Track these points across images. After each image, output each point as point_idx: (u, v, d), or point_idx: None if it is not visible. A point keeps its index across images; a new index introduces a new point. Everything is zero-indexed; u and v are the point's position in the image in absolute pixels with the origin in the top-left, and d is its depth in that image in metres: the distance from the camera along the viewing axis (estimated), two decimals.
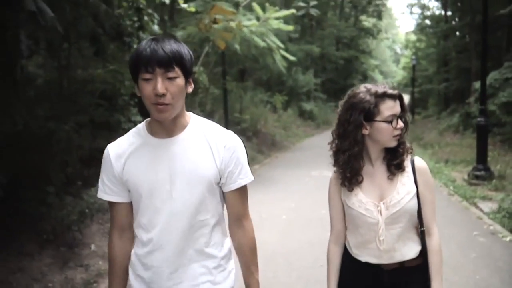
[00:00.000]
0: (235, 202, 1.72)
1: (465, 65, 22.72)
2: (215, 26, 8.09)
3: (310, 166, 11.41)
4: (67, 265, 4.45)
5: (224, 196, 1.73)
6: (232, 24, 8.01)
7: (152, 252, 1.65)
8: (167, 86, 1.52)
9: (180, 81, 1.55)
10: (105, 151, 1.69)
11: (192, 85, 1.65)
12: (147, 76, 1.51)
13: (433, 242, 1.92)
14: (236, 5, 10.06)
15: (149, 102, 1.54)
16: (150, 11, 6.21)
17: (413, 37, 45.22)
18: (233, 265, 1.79)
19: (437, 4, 35.58)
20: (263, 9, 9.74)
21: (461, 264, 4.63)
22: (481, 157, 8.99)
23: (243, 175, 1.70)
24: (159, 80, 1.50)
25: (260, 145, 15.23)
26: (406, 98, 41.57)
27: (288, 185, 9.13)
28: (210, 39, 9.45)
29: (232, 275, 1.77)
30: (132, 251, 1.74)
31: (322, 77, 30.43)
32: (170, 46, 1.52)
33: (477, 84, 12.76)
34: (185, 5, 8.81)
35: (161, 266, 1.65)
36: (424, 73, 37.77)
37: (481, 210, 6.90)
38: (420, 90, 36.59)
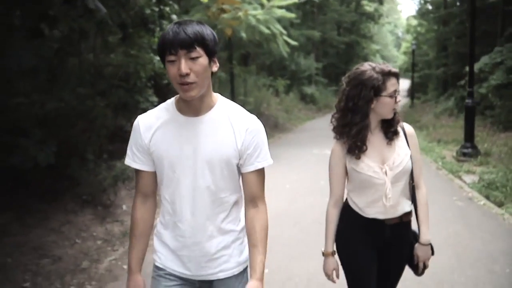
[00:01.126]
0: (252, 183, 1.77)
1: (462, 50, 23.26)
2: (224, 15, 8.82)
3: (311, 145, 12.25)
4: (105, 220, 5.28)
5: (242, 177, 1.80)
6: (240, 13, 8.76)
7: (176, 223, 1.76)
8: (191, 66, 1.58)
9: (203, 60, 1.61)
10: (136, 121, 1.78)
11: (217, 64, 1.71)
12: (172, 58, 1.59)
13: (421, 195, 2.30)
14: None
15: (175, 82, 1.62)
16: (170, 1, 6.92)
17: (414, 22, 45.32)
18: (247, 242, 1.85)
19: None
20: None
21: (438, 220, 5.44)
22: (469, 136, 9.78)
23: (261, 158, 1.75)
24: (182, 60, 1.57)
25: (264, 126, 15.99)
26: (407, 83, 42.07)
27: (291, 161, 9.93)
28: (217, 26, 10.18)
29: (246, 251, 1.85)
30: (158, 220, 1.87)
31: (323, 62, 31.02)
32: (192, 28, 1.59)
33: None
34: None
35: (184, 236, 1.76)
36: (424, 58, 37.91)
37: (464, 181, 7.71)
38: (420, 75, 37.16)
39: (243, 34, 9.44)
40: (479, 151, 9.72)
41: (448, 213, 5.83)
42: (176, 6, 7.25)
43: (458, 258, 4.36)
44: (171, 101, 1.77)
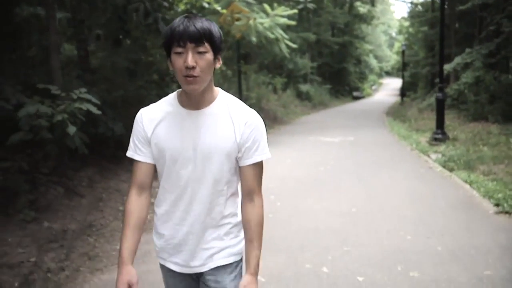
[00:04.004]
0: (249, 177, 1.79)
1: (446, 51, 25.19)
2: (237, 23, 10.67)
3: (307, 134, 14.16)
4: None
5: (240, 170, 1.81)
6: (251, 21, 10.60)
7: (174, 212, 1.80)
8: (197, 59, 1.60)
9: (209, 56, 1.63)
10: (138, 114, 1.81)
11: (221, 61, 1.74)
12: (179, 50, 1.60)
13: None
14: (248, 3, 12.61)
15: (180, 74, 1.63)
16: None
17: (406, 23, 47.01)
18: (243, 235, 1.87)
19: None
20: (271, 7, 12.32)
21: (402, 179, 7.35)
22: (439, 124, 11.68)
23: (259, 152, 1.77)
24: (190, 53, 1.59)
25: (264, 119, 17.69)
26: (399, 81, 43.88)
27: (290, 145, 11.79)
28: (225, 29, 12.00)
29: (242, 244, 1.88)
30: (155, 214, 1.88)
31: (318, 61, 32.82)
32: (201, 23, 1.61)
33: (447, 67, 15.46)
34: (206, 4, 11.32)
35: (180, 224, 1.80)
36: (415, 58, 39.16)
37: (430, 157, 9.62)
38: (411, 74, 39.03)
39: (254, 39, 11.30)
40: (448, 136, 11.62)
41: (411, 176, 7.74)
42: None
43: (412, 199, 6.24)
44: (173, 95, 1.80)
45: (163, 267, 1.92)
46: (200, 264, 1.83)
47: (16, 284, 3.63)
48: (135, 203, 1.81)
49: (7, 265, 3.85)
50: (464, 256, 4.22)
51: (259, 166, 1.81)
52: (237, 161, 1.79)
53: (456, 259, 4.15)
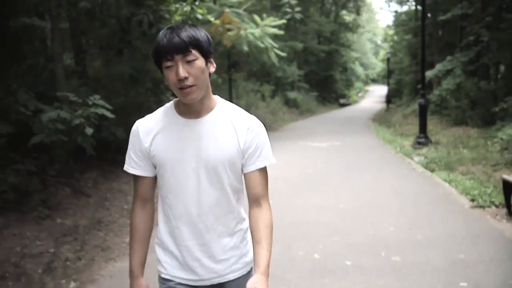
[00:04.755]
0: (255, 183, 1.75)
1: (429, 59, 25.98)
2: (229, 33, 11.16)
3: (296, 139, 14.65)
4: None
5: (244, 177, 1.77)
6: (242, 32, 11.09)
7: (180, 227, 1.72)
8: (188, 69, 1.57)
9: (200, 62, 1.59)
10: (134, 126, 1.74)
11: (214, 65, 1.70)
12: (169, 63, 1.57)
13: None
14: (238, 14, 13.12)
15: (175, 88, 1.60)
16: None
17: (391, 31, 47.90)
18: (250, 239, 1.81)
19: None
20: (261, 17, 12.85)
21: (386, 178, 7.85)
22: (422, 128, 12.26)
23: (263, 157, 1.74)
24: (180, 65, 1.56)
25: None
26: (385, 88, 44.66)
27: (280, 150, 12.19)
28: (216, 39, 12.47)
29: (252, 249, 1.80)
30: (160, 228, 1.80)
31: (305, 69, 33.39)
32: (185, 31, 1.57)
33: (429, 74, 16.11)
34: (200, 16, 11.78)
35: (190, 239, 1.72)
36: (400, 65, 39.73)
37: (413, 159, 10.15)
38: (396, 81, 39.82)
39: (245, 48, 11.79)
40: (431, 140, 12.19)
41: (395, 175, 8.25)
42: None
43: (395, 196, 6.72)
44: (169, 105, 1.75)
45: (166, 281, 1.79)
46: (219, 275, 1.77)
47: (40, 271, 4.02)
48: (140, 216, 1.78)
49: (29, 255, 4.24)
50: (440, 243, 4.69)
51: (264, 171, 1.77)
52: (241, 168, 1.76)
53: (434, 246, 4.63)
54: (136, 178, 1.76)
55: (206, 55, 1.63)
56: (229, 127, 1.70)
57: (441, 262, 4.21)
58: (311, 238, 4.94)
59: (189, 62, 1.57)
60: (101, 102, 5.13)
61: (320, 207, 6.17)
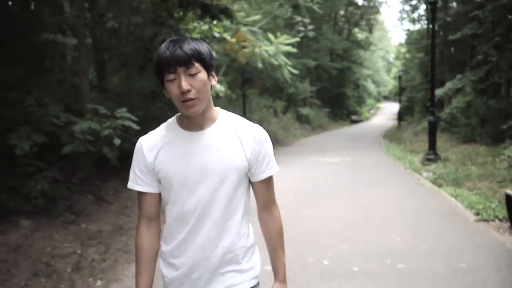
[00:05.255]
0: (264, 191, 1.78)
1: (440, 76, 26.27)
2: (244, 50, 11.58)
3: (307, 154, 14.96)
4: None
5: (252, 186, 1.79)
6: (257, 49, 11.51)
7: (185, 240, 1.71)
8: (191, 82, 1.57)
9: (202, 75, 1.60)
10: (138, 143, 1.74)
11: (216, 78, 1.71)
12: (171, 76, 1.57)
13: None
14: (253, 32, 13.57)
15: (177, 100, 1.59)
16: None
17: (403, 49, 48.18)
18: (258, 255, 1.85)
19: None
20: (274, 35, 13.28)
21: (394, 193, 8.11)
22: (432, 145, 12.49)
23: (271, 166, 1.77)
24: (182, 78, 1.56)
25: None
26: (396, 106, 44.85)
27: (292, 164, 12.55)
28: (231, 56, 12.90)
29: (258, 265, 1.82)
30: (164, 245, 1.78)
31: (317, 86, 33.77)
32: (188, 44, 1.58)
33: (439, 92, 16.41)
34: (217, 34, 12.24)
35: (194, 251, 1.70)
36: (411, 83, 39.91)
37: (421, 175, 10.39)
38: (408, 99, 40.02)
39: (260, 65, 12.22)
40: (440, 157, 12.42)
41: (403, 190, 8.51)
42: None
43: (402, 209, 6.98)
44: (172, 120, 1.75)
45: None
46: None
47: (69, 270, 4.36)
48: (146, 237, 1.74)
49: (58, 255, 4.58)
50: (443, 253, 4.95)
51: (271, 179, 1.80)
52: (247, 178, 1.77)
53: (437, 255, 4.88)
54: (141, 195, 1.75)
55: (208, 68, 1.64)
56: (234, 138, 1.71)
57: (443, 270, 4.47)
58: (321, 246, 5.22)
59: (191, 75, 1.58)
60: (128, 115, 5.51)
61: (329, 218, 6.45)
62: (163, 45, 1.62)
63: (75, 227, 5.37)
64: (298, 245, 5.17)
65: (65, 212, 5.53)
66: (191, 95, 1.57)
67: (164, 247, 1.77)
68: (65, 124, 5.27)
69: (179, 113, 1.71)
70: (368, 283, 4.21)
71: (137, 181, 1.73)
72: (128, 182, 1.77)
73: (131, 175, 1.75)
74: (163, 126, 1.76)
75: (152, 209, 1.76)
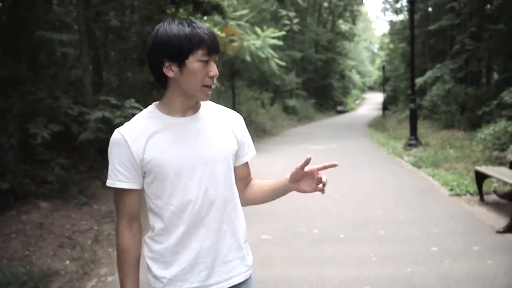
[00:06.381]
0: (245, 171, 1.78)
1: (422, 66, 27.06)
2: (233, 44, 12.13)
3: (295, 143, 15.57)
4: None
5: (235, 170, 1.72)
6: (245, 43, 12.07)
7: (187, 231, 1.59)
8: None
9: None
10: (117, 135, 1.55)
11: None
12: (206, 58, 1.49)
13: None
14: (240, 26, 14.11)
15: (200, 84, 1.51)
16: None
17: (386, 40, 48.84)
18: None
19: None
20: (261, 29, 13.85)
21: (377, 174, 8.77)
22: (413, 131, 13.20)
23: (252, 148, 1.77)
24: (213, 63, 1.51)
25: (255, 131, 19.35)
26: (381, 96, 45.62)
27: (281, 152, 13.20)
28: (221, 49, 13.41)
29: (251, 254, 1.78)
30: (154, 245, 1.62)
31: (303, 77, 34.33)
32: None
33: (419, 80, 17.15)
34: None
35: (197, 241, 1.59)
36: (395, 73, 40.36)
37: (403, 159, 11.08)
38: (392, 88, 40.76)
39: (248, 58, 12.79)
40: (421, 142, 13.12)
41: (385, 172, 9.19)
42: None
43: (383, 187, 7.64)
44: (152, 108, 1.60)
45: None
46: (222, 279, 1.64)
47: (89, 242, 4.92)
48: (129, 238, 1.59)
49: (78, 231, 5.14)
50: (419, 222, 5.60)
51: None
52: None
53: (414, 223, 5.53)
54: (122, 193, 1.57)
55: None
56: (223, 122, 1.67)
57: (418, 234, 5.11)
58: (311, 219, 5.84)
59: (215, 63, 1.54)
60: (136, 105, 6.05)
61: (317, 196, 6.96)
62: (185, 24, 1.50)
63: (89, 208, 5.92)
64: (290, 219, 5.78)
65: (78, 195, 6.08)
66: (213, 82, 1.56)
67: (157, 247, 1.61)
68: (78, 114, 5.79)
69: (157, 102, 1.61)
70: (353, 245, 4.84)
71: (118, 177, 1.55)
72: (107, 180, 1.57)
73: (110, 172, 1.57)
74: (142, 115, 1.61)
75: (134, 207, 1.60)
